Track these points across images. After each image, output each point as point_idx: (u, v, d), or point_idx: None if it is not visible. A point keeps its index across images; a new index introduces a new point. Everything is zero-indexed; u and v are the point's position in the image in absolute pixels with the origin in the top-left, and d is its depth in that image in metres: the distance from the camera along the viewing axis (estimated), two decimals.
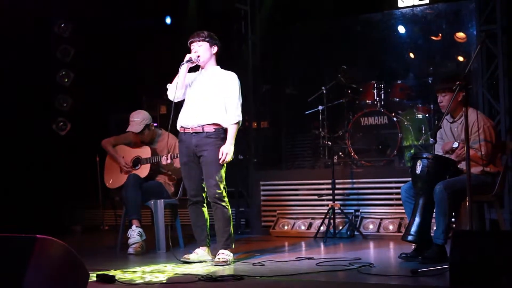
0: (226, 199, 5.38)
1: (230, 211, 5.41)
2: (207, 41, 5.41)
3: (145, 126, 6.55)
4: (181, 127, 5.45)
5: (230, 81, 5.42)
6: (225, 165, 5.35)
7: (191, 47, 5.45)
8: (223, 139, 5.34)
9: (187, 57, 5.36)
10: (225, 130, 5.39)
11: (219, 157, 5.27)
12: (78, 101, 9.15)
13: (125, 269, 5.07)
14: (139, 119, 6.56)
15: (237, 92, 5.41)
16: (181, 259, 5.35)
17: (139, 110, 6.69)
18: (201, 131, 5.33)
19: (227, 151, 5.28)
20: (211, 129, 5.33)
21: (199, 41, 5.41)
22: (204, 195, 5.47)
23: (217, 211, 5.36)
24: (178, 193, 6.63)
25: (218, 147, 5.31)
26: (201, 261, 5.38)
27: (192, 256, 5.39)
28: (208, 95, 5.37)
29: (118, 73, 9.47)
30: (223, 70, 5.51)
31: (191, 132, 5.37)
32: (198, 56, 5.38)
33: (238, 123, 5.38)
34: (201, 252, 5.46)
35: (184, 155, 5.44)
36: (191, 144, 5.37)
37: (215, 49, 5.46)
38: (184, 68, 5.33)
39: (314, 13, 9.85)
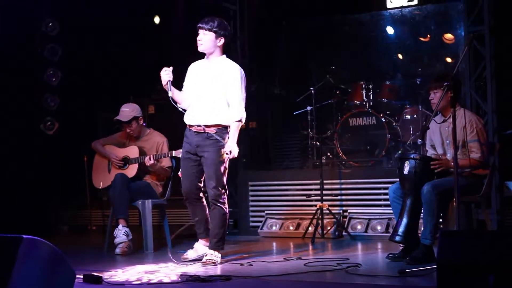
0: (225, 200, 5.34)
1: (227, 213, 5.37)
2: (214, 32, 5.24)
3: (134, 117, 6.56)
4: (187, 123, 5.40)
5: (232, 75, 5.28)
6: (226, 166, 5.30)
7: (198, 32, 5.27)
8: (225, 139, 5.27)
9: (164, 81, 5.20)
10: (227, 128, 5.30)
11: (224, 156, 5.21)
12: (66, 101, 9.10)
13: (112, 269, 5.05)
14: (128, 109, 6.58)
15: (239, 87, 5.28)
16: (181, 261, 5.31)
17: (130, 103, 6.73)
18: (203, 131, 5.27)
19: (230, 149, 5.20)
20: (212, 129, 5.25)
21: (206, 29, 5.24)
22: (199, 193, 5.43)
23: (214, 211, 5.34)
24: (166, 194, 6.62)
25: (219, 149, 5.24)
26: (200, 256, 5.35)
27: (190, 254, 5.36)
28: (209, 92, 5.28)
29: (106, 73, 9.43)
30: (227, 61, 5.35)
31: (194, 130, 5.32)
32: (169, 76, 5.20)
33: (241, 120, 5.29)
34: (199, 247, 5.44)
35: (185, 151, 5.40)
36: (193, 142, 5.32)
37: (221, 41, 5.29)
38: (170, 91, 5.22)
39: (302, 13, 9.86)
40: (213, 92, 5.28)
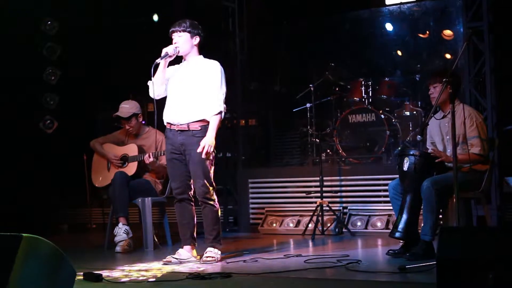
0: (214, 197, 5.31)
1: (219, 210, 5.35)
2: (188, 32, 5.26)
3: (134, 114, 6.56)
4: (167, 123, 5.35)
5: (211, 70, 5.27)
6: (212, 163, 5.27)
7: (172, 37, 5.30)
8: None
9: (164, 51, 5.21)
10: None
11: (201, 151, 5.12)
12: (65, 99, 9.10)
13: (113, 267, 5.05)
14: (128, 106, 6.62)
15: (218, 81, 5.25)
16: (163, 261, 5.25)
17: (130, 100, 6.74)
18: (187, 129, 5.23)
19: (207, 143, 5.11)
20: (197, 127, 5.22)
21: (179, 31, 5.27)
22: (190, 193, 5.39)
23: (205, 210, 5.31)
24: (166, 191, 6.62)
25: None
26: (183, 262, 5.26)
27: (174, 258, 5.29)
28: (191, 89, 5.25)
29: (105, 71, 9.43)
30: (205, 60, 5.36)
31: (176, 129, 5.28)
32: (177, 47, 5.25)
33: (220, 113, 5.22)
34: (184, 253, 5.34)
35: (170, 152, 5.34)
36: (176, 142, 5.27)
37: (196, 40, 5.31)
38: (162, 64, 5.22)
39: (301, 11, 9.85)
40: (195, 90, 5.24)
